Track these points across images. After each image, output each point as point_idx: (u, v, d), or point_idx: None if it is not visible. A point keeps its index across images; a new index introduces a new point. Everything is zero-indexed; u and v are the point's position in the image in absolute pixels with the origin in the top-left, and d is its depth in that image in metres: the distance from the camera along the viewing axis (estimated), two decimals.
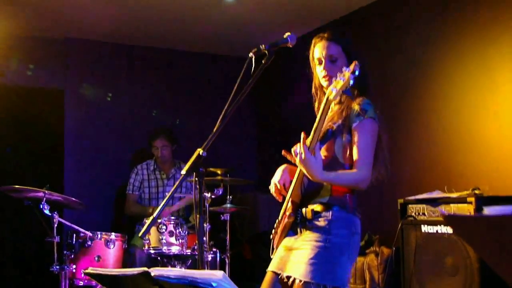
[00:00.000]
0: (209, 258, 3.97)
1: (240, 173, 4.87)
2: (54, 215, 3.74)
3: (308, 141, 2.27)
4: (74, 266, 3.84)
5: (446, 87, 4.05)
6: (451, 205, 3.31)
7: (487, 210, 1.11)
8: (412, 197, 3.57)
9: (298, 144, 2.30)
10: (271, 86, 6.00)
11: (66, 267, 3.81)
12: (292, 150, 2.35)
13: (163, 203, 2.09)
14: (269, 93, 6.14)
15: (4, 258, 5.40)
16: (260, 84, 5.88)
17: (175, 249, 3.93)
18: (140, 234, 2.14)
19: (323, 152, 2.38)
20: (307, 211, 2.39)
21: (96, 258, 3.90)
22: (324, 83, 2.46)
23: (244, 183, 4.75)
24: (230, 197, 4.25)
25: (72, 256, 3.87)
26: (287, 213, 2.44)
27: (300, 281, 2.28)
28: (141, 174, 5.07)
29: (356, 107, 2.38)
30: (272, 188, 2.55)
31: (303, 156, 2.25)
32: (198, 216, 2.05)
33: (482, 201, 3.18)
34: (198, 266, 2.10)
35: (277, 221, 2.54)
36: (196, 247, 3.86)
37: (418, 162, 4.21)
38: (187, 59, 6.06)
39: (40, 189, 3.75)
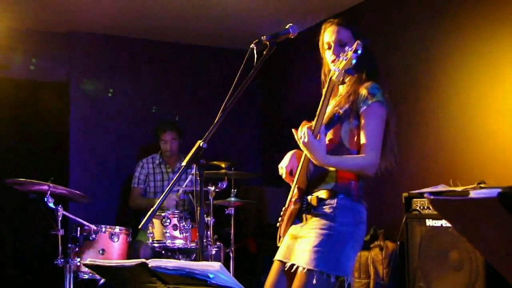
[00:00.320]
0: (213, 252, 3.96)
1: (245, 166, 4.85)
2: (59, 208, 3.74)
3: (312, 124, 2.24)
4: (78, 259, 3.84)
5: (450, 80, 4.02)
6: None
7: (473, 193, 1.08)
8: (417, 191, 3.55)
9: (301, 127, 2.27)
10: (276, 78, 5.97)
11: (70, 260, 3.81)
12: (295, 133, 2.31)
13: (162, 196, 2.08)
14: (274, 86, 6.11)
15: (4, 258, 5.39)
16: (265, 77, 5.94)
17: (179, 243, 3.92)
18: (140, 226, 2.13)
19: (329, 137, 2.34)
20: (312, 198, 2.35)
21: (100, 251, 3.90)
22: (333, 67, 2.42)
23: (248, 176, 4.72)
24: (235, 190, 4.24)
25: (77, 249, 3.87)
26: (293, 200, 2.40)
27: (304, 268, 2.24)
28: (146, 167, 5.07)
29: (363, 91, 2.34)
30: (283, 174, 2.50)
31: (305, 139, 2.21)
32: (198, 208, 2.03)
33: None
34: (199, 258, 2.09)
35: (283, 208, 2.50)
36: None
37: (423, 156, 4.18)
38: (188, 53, 6.00)
39: (45, 182, 3.76)
